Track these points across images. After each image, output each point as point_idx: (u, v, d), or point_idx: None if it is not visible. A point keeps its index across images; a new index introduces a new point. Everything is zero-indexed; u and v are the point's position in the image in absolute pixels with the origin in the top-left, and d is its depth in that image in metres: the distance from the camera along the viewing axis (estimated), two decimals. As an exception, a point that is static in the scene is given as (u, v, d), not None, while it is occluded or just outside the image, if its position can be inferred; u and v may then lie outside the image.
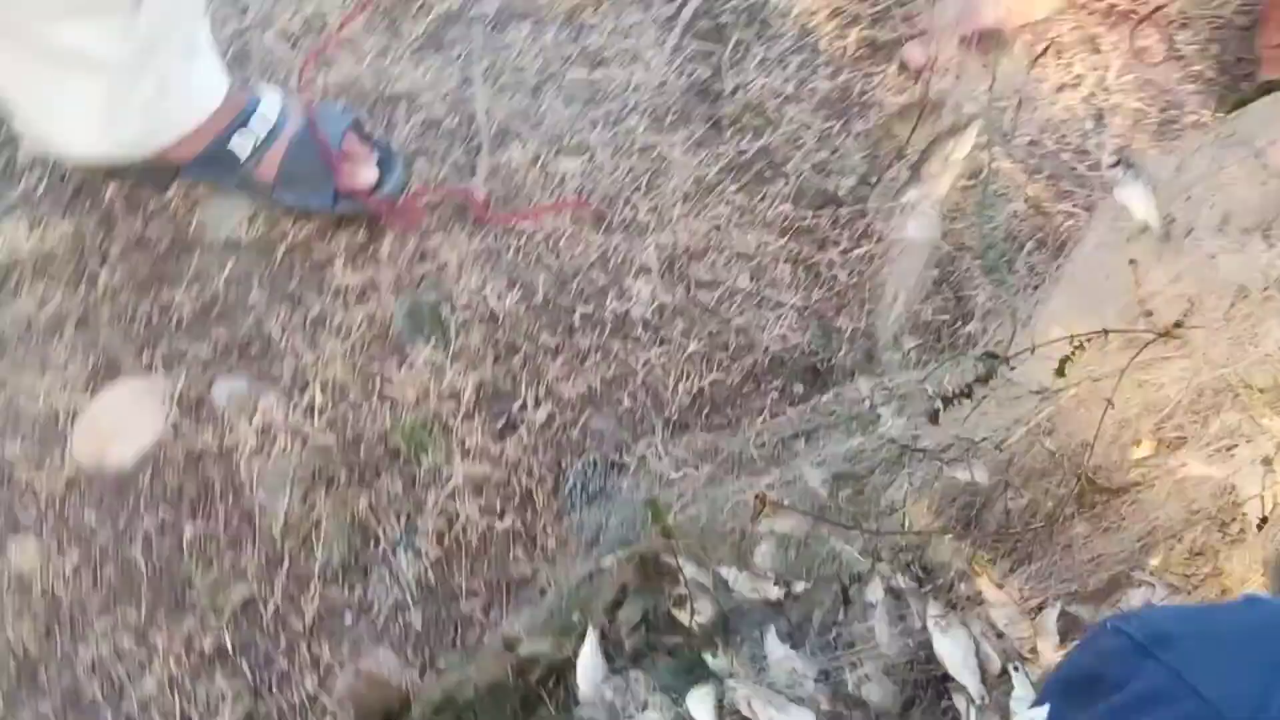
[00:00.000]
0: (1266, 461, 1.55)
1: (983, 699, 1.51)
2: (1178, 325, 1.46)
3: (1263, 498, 1.51)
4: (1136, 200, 1.47)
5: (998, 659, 1.56)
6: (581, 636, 1.63)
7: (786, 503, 1.70)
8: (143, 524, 1.81)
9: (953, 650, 1.59)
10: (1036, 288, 1.97)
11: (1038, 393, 1.62)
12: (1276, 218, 1.43)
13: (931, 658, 1.61)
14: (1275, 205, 1.44)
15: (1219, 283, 1.46)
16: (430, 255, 2.07)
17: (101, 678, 1.71)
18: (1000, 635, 1.64)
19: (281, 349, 1.95)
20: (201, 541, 1.79)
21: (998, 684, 1.55)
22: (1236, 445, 1.58)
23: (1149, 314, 1.49)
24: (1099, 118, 2.27)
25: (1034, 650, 1.64)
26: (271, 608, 1.76)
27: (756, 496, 1.72)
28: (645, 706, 1.63)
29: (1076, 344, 1.50)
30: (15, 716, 1.67)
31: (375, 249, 2.04)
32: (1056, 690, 1.04)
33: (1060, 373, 1.58)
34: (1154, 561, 1.68)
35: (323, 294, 2.00)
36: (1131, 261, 1.50)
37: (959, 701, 1.56)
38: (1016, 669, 1.49)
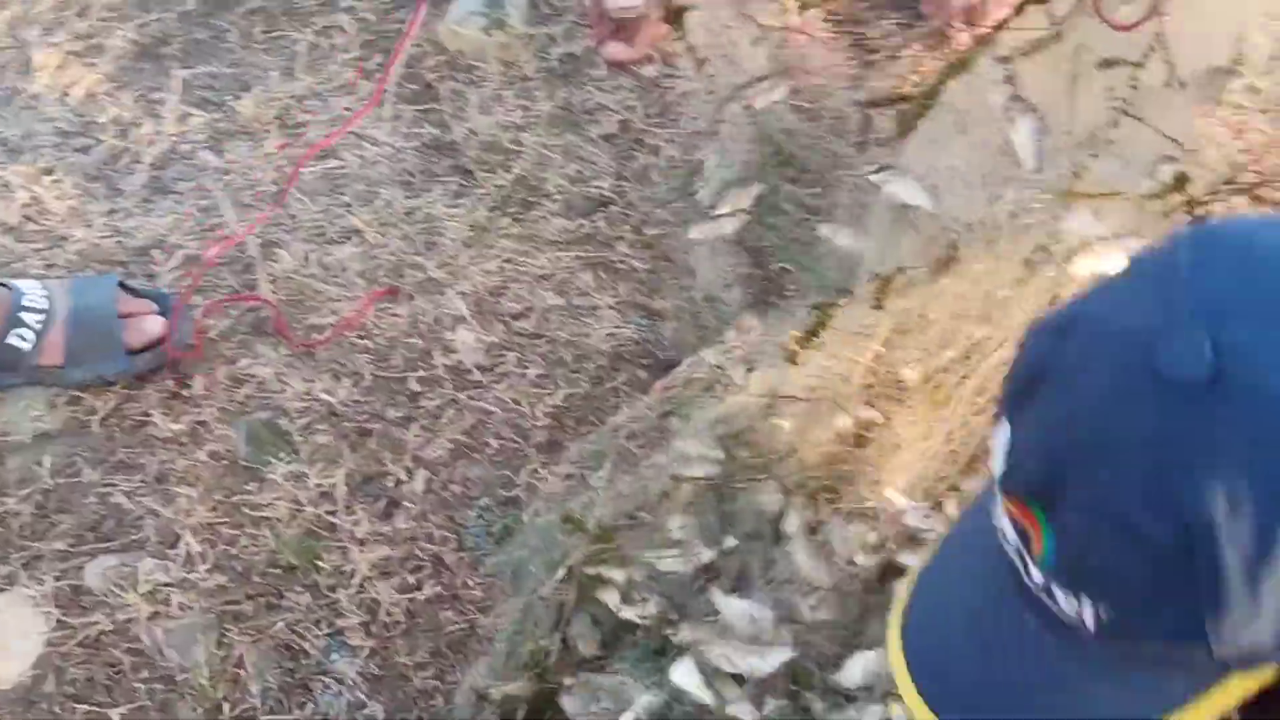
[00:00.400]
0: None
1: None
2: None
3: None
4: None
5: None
6: (546, 665, 1.97)
7: (699, 453, 2.10)
8: (65, 729, 2.00)
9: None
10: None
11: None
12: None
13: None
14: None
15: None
16: (245, 379, 2.37)
17: None
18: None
19: (136, 516, 2.20)
20: (131, 718, 2.02)
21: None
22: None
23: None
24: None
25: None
26: (231, 756, 2.00)
27: (672, 477, 2.11)
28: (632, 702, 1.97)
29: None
30: None
31: (188, 392, 2.34)
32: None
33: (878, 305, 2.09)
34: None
35: (154, 451, 2.27)
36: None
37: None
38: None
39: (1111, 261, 2.13)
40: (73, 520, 2.16)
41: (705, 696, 1.90)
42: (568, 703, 1.91)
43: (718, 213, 2.47)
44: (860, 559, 2.02)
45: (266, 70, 2.78)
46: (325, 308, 2.43)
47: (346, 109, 2.70)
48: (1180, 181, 2.20)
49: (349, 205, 2.57)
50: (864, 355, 2.19)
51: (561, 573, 2.04)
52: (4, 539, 2.12)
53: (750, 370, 2.25)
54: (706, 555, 2.07)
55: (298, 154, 2.60)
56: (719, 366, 2.28)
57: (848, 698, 1.94)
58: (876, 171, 2.36)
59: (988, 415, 2.12)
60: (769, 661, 1.94)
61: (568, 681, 1.91)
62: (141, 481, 2.20)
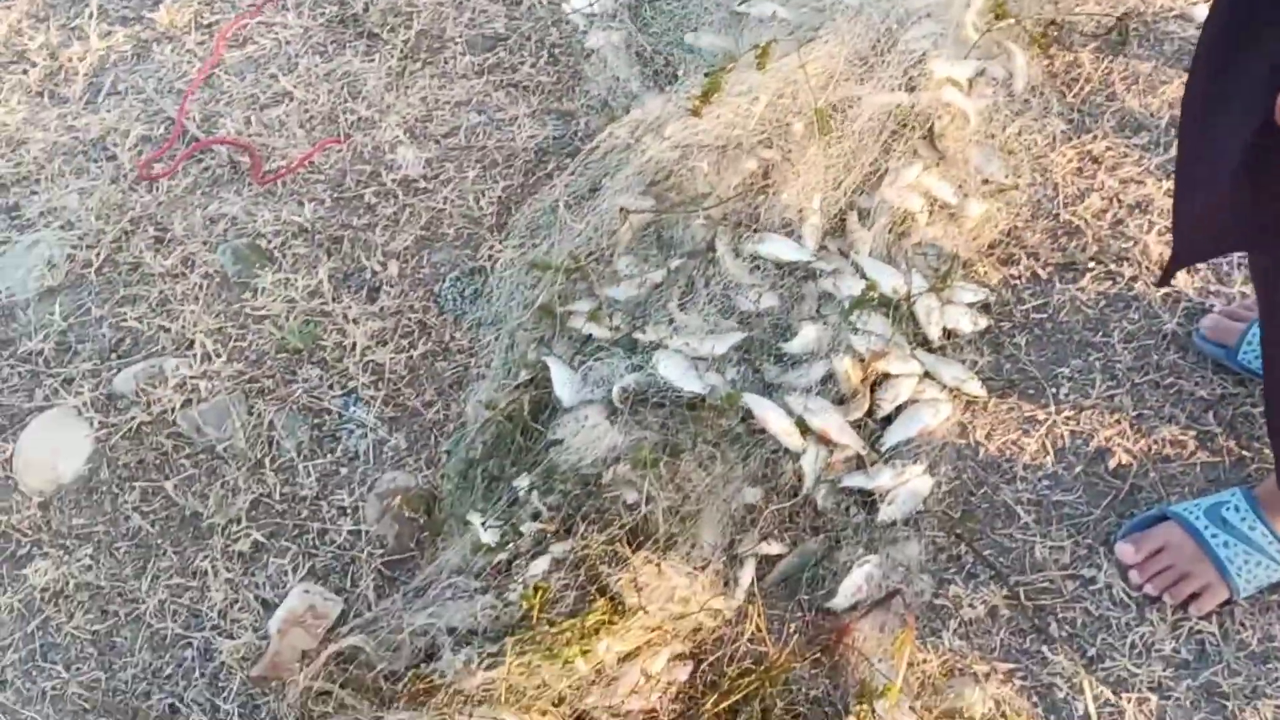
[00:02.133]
0: None
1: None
2: None
3: None
4: None
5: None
6: (537, 374, 2.33)
7: (634, 208, 2.51)
8: (127, 500, 2.29)
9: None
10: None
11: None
12: None
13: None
14: None
15: None
16: (219, 217, 2.74)
17: (172, 615, 2.22)
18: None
19: (150, 333, 2.54)
20: (185, 485, 2.35)
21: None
22: None
23: None
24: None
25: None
26: (277, 495, 2.33)
27: (620, 209, 2.52)
28: (618, 379, 2.34)
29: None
30: (115, 679, 2.20)
31: (170, 235, 2.70)
32: None
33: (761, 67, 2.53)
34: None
35: (152, 284, 2.61)
36: None
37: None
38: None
39: None
40: (93, 346, 2.47)
41: (687, 382, 2.24)
42: (561, 393, 2.26)
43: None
44: (787, 258, 2.44)
45: (172, -16, 3.14)
46: (275, 156, 2.79)
47: (251, 3, 3.08)
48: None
49: (275, 76, 2.94)
50: (756, 109, 2.62)
51: (538, 302, 2.41)
52: (33, 373, 2.44)
53: (659, 131, 2.67)
54: (658, 275, 2.46)
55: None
56: (631, 134, 2.68)
57: (795, 362, 2.34)
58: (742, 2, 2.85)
59: (868, 152, 2.58)
60: (725, 343, 2.34)
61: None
62: (148, 308, 2.53)
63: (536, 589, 1.86)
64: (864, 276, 2.34)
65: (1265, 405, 1.84)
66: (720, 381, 2.22)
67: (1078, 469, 2.18)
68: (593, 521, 1.95)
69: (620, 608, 1.87)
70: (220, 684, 2.04)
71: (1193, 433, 2.19)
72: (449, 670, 1.83)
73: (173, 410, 2.34)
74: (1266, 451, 2.13)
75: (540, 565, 1.93)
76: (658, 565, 1.91)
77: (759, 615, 1.94)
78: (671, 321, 2.32)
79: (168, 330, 2.44)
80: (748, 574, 2.03)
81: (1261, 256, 1.68)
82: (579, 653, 1.83)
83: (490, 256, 2.53)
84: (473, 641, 1.87)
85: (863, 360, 2.22)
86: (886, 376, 2.24)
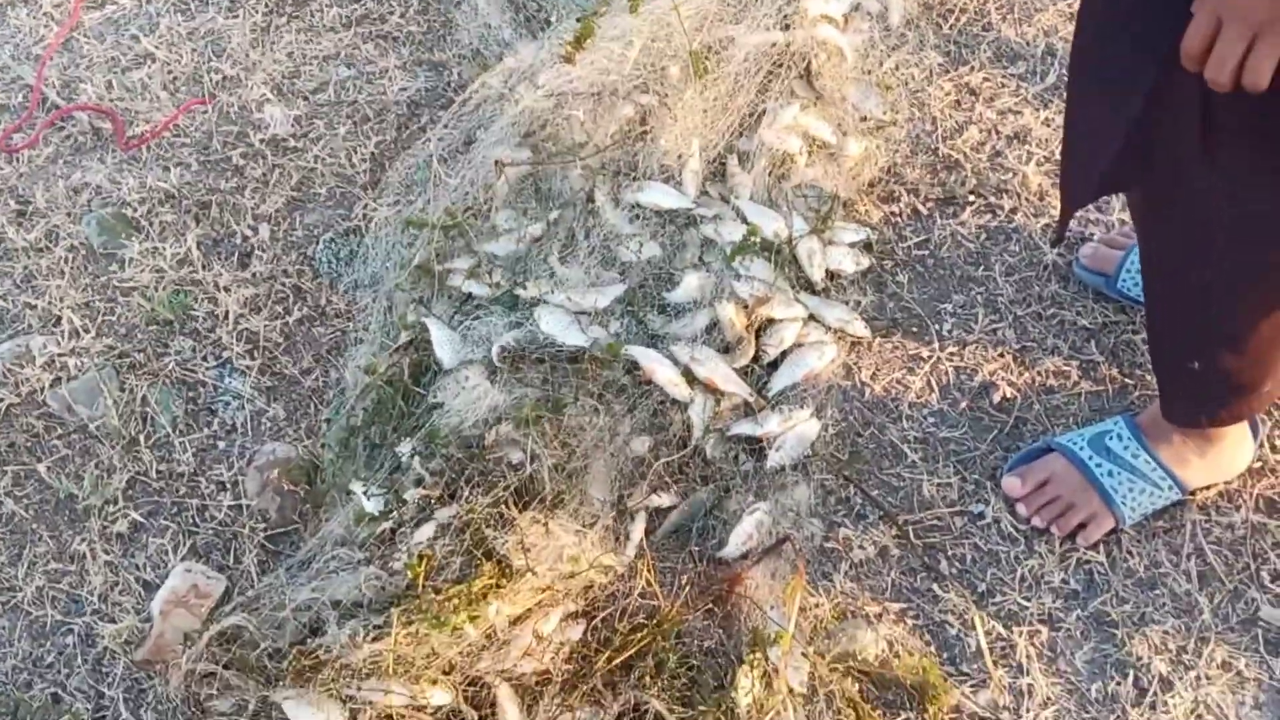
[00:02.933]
0: None
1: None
2: None
3: None
4: None
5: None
6: (416, 335, 2.28)
7: (510, 161, 2.46)
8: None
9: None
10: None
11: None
12: None
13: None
14: None
15: None
16: (81, 187, 2.64)
17: (51, 601, 2.15)
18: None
19: (14, 311, 2.44)
20: (58, 467, 2.28)
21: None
22: None
23: None
24: None
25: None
26: (154, 473, 2.26)
27: (495, 162, 2.46)
28: (498, 337, 2.30)
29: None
30: None
31: (31, 207, 2.60)
32: None
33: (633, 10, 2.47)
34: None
35: (14, 259, 2.51)
36: None
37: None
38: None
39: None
40: (-48, 324, 2.37)
41: (569, 336, 2.21)
42: (441, 354, 2.21)
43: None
44: (668, 206, 2.40)
45: (24, -55, 3.01)
46: (138, 120, 2.69)
47: (108, -37, 2.96)
48: None
49: (135, 37, 2.84)
50: (630, 54, 2.57)
51: (416, 262, 2.36)
52: (-104, 356, 2.33)
53: (532, 79, 2.61)
54: (537, 229, 2.41)
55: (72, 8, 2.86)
56: (504, 83, 2.62)
57: (679, 311, 2.31)
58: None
59: (745, 94, 2.54)
60: (607, 295, 2.30)
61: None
62: (12, 285, 2.44)
63: (421, 557, 1.83)
64: (745, 221, 2.32)
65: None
66: (604, 334, 2.19)
67: (962, 405, 2.18)
68: (477, 485, 1.91)
69: (508, 571, 1.85)
70: (104, 670, 1.99)
71: (1076, 363, 2.21)
72: (334, 644, 1.79)
73: (42, 390, 2.27)
74: (1149, 379, 2.15)
75: (425, 532, 1.90)
76: (545, 525, 1.88)
77: (649, 570, 1.92)
78: (553, 275, 2.29)
79: (33, 307, 2.36)
80: (638, 528, 2.02)
81: (1140, 190, 1.68)
82: (467, 619, 1.80)
83: (365, 216, 2.48)
84: (358, 614, 1.83)
85: (746, 306, 2.19)
86: (771, 322, 2.23)
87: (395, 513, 1.94)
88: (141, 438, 2.22)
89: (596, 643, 1.91)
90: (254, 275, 2.38)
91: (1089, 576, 2.04)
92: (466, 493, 1.91)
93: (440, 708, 1.80)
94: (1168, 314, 1.76)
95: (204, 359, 2.30)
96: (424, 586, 1.82)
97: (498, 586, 1.84)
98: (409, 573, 1.83)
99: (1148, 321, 1.85)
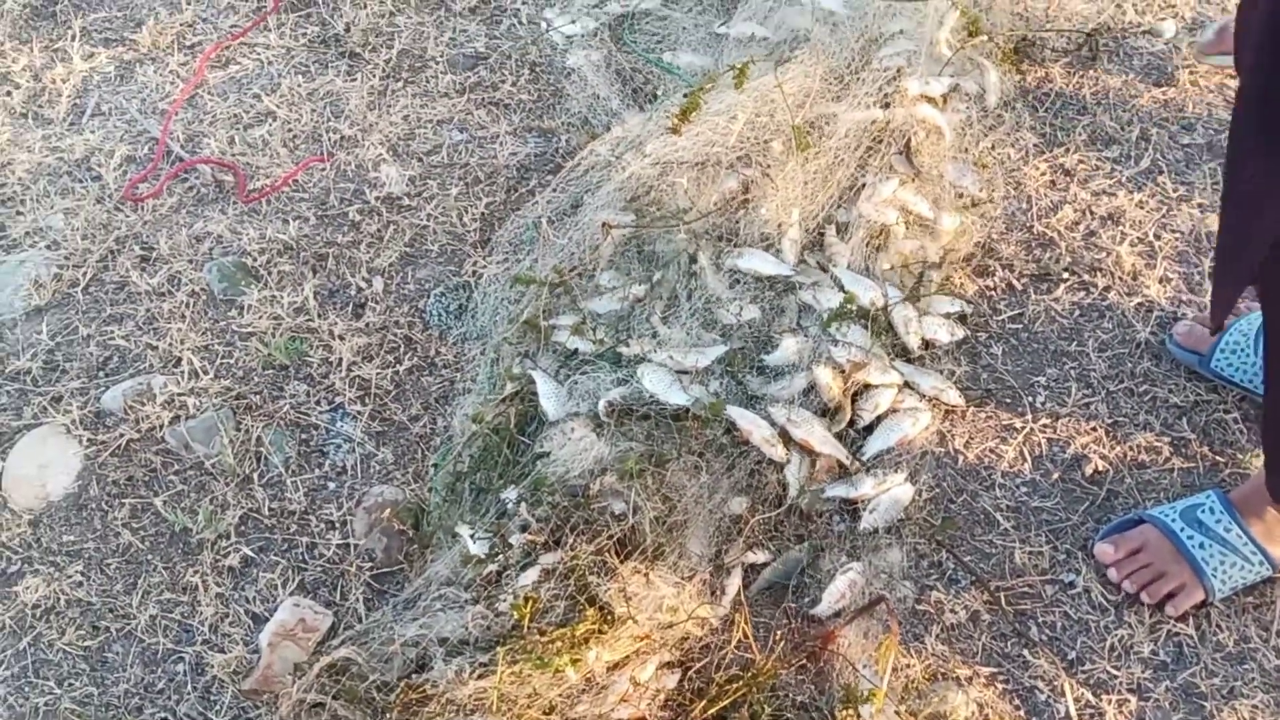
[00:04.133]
0: None
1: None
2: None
3: None
4: None
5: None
6: (522, 387, 2.35)
7: (616, 223, 2.55)
8: (116, 517, 2.29)
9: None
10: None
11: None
12: None
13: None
14: None
15: None
16: (204, 236, 2.76)
17: (163, 630, 2.23)
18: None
19: (137, 352, 2.56)
20: (174, 501, 2.37)
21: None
22: None
23: None
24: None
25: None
26: (266, 510, 2.35)
27: (602, 224, 2.55)
28: (603, 392, 2.37)
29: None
30: (108, 695, 2.21)
31: (155, 254, 2.72)
32: None
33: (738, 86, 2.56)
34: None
35: (138, 303, 2.63)
36: None
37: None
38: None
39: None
40: (81, 365, 2.49)
41: (671, 394, 2.27)
42: (547, 406, 2.29)
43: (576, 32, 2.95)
44: (767, 272, 2.49)
45: (154, 6, 3.17)
46: (259, 175, 2.81)
47: (234, 25, 3.11)
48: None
49: (258, 96, 2.97)
50: (734, 127, 2.66)
51: (523, 317, 2.44)
52: (22, 391, 2.45)
53: (639, 148, 2.70)
54: (640, 289, 2.48)
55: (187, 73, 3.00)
56: (612, 150, 2.72)
57: (777, 374, 2.37)
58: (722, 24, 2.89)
59: (845, 168, 2.62)
60: (708, 356, 2.37)
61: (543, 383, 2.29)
62: (135, 326, 2.54)
63: (527, 599, 1.88)
64: (842, 289, 2.37)
65: (1265, 408, 1.88)
66: (704, 394, 2.24)
67: (1055, 476, 2.21)
68: (581, 533, 1.97)
69: (609, 617, 1.90)
70: (212, 698, 2.05)
71: (1167, 439, 2.23)
72: (441, 680, 1.85)
73: (161, 427, 2.35)
74: (1240, 457, 2.17)
75: (530, 576, 1.95)
76: (646, 575, 1.93)
77: (745, 623, 1.96)
78: (655, 335, 2.34)
79: (155, 348, 2.45)
80: (734, 583, 2.06)
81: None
82: (569, 662, 1.85)
83: (474, 272, 2.55)
84: (464, 651, 1.89)
85: (843, 371, 2.24)
86: (867, 387, 2.27)
87: (501, 556, 1.99)
88: (255, 476, 2.29)
89: (691, 692, 1.95)
90: (367, 325, 2.46)
91: (1178, 649, 2.05)
92: (571, 540, 1.96)
93: (540, 747, 1.83)
94: None
95: (317, 403, 2.37)
96: (529, 628, 1.86)
97: (599, 632, 1.89)
98: (514, 613, 1.87)
99: (1267, 398, 1.87)
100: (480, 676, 1.85)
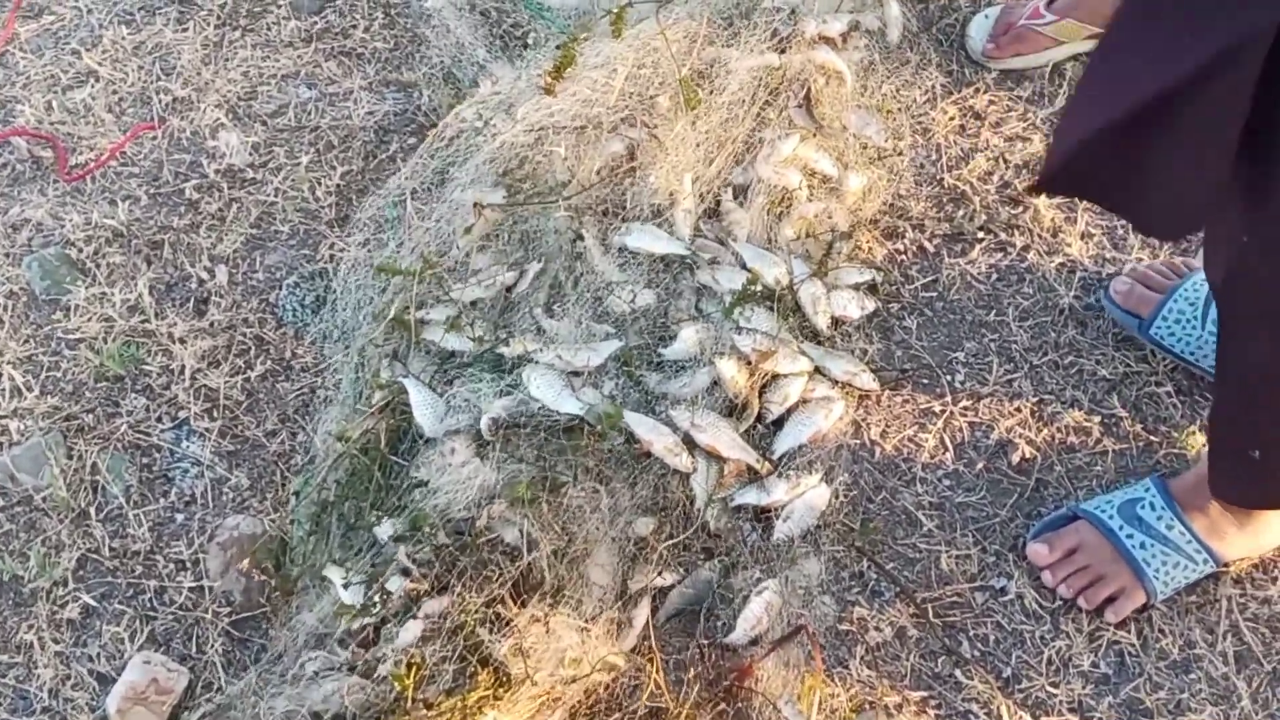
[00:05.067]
0: None
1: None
2: None
3: None
4: None
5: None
6: (393, 397, 2.08)
7: (487, 204, 2.25)
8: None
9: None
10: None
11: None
12: None
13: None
14: None
15: None
16: (21, 224, 2.41)
17: None
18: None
19: None
20: (1, 545, 2.06)
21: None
22: None
23: None
24: None
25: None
26: (107, 550, 2.05)
27: (474, 205, 2.25)
28: (485, 403, 2.10)
29: None
30: None
31: None
32: None
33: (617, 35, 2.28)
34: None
35: None
36: None
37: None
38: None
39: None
40: (-120, 387, 2.15)
41: (562, 402, 2.04)
42: (421, 420, 2.01)
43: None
44: (660, 251, 2.25)
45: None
46: (82, 147, 2.46)
47: (44, -30, 2.71)
48: None
49: (77, 52, 2.61)
50: (615, 82, 2.36)
51: (390, 316, 2.15)
52: None
53: (510, 111, 2.39)
54: (509, 276, 2.21)
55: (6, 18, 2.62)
56: (479, 115, 2.41)
57: (677, 368, 2.12)
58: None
59: (740, 124, 2.34)
60: (600, 353, 2.11)
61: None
62: (-58, 336, 2.20)
63: (409, 665, 1.63)
64: (744, 266, 2.13)
65: (1212, 409, 1.70)
66: (598, 398, 2.00)
67: (979, 465, 2.04)
68: (470, 578, 1.71)
69: (505, 679, 1.66)
70: (55, 778, 1.77)
71: (1097, 418, 2.06)
72: (315, 770, 1.60)
73: (-19, 457, 2.03)
74: (1174, 435, 2.05)
75: (412, 631, 1.73)
76: (545, 623, 1.69)
77: (656, 671, 1.73)
78: (540, 331, 2.07)
79: (-32, 362, 2.12)
80: (641, 615, 1.84)
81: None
82: None
83: (332, 256, 2.28)
84: None
85: (749, 362, 2.01)
86: (775, 377, 2.04)
87: (379, 609, 1.73)
88: (92, 510, 2.04)
89: None
90: (212, 324, 2.17)
91: (1120, 659, 1.92)
92: (459, 588, 1.71)
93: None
94: (1243, 400, 1.60)
95: (159, 420, 2.10)
96: (413, 700, 1.62)
97: (494, 697, 1.64)
98: (396, 683, 1.62)
99: (1215, 397, 1.74)
100: (361, 764, 1.59)
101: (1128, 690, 1.91)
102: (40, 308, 2.21)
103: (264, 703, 1.72)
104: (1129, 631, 1.94)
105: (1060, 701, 1.88)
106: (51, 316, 2.20)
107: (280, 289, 2.25)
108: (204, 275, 2.25)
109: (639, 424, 1.95)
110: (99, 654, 1.92)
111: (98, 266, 2.26)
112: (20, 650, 1.92)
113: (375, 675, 1.70)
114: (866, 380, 2.15)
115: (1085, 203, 2.26)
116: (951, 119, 2.45)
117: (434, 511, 1.84)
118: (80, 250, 2.27)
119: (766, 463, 2.03)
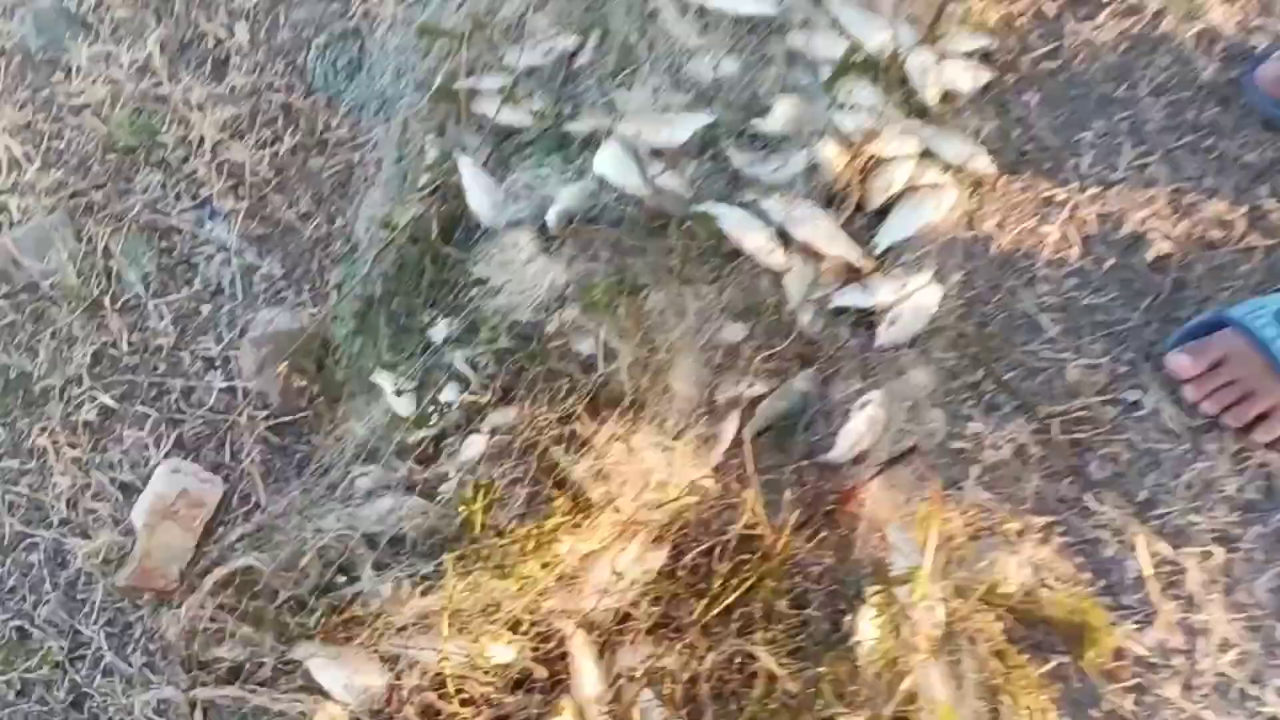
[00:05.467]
0: None
1: None
2: None
3: None
4: None
5: None
6: (444, 175, 1.81)
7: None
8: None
9: None
10: None
11: None
12: None
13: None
14: None
15: None
16: None
17: (10, 509, 1.75)
18: None
19: None
20: (6, 337, 1.82)
21: None
22: None
23: None
24: None
25: None
26: (125, 345, 1.82)
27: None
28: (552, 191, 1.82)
29: None
30: None
31: None
32: None
33: None
34: None
35: None
36: None
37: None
38: None
39: None
40: None
41: (630, 180, 1.76)
42: (477, 205, 1.74)
43: None
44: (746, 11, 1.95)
45: None
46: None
47: None
48: None
49: None
50: None
51: (436, 85, 1.86)
52: None
53: None
54: (569, 41, 1.92)
55: None
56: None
57: (770, 147, 1.84)
58: None
59: None
60: (685, 127, 1.86)
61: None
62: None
63: (477, 488, 1.40)
64: (843, 32, 1.83)
65: None
66: (680, 184, 1.76)
67: (1109, 262, 1.83)
68: (540, 391, 1.47)
69: (584, 504, 1.43)
70: (79, 597, 1.60)
71: (1242, 210, 1.84)
72: (373, 599, 1.39)
73: (-23, 242, 1.79)
74: (1334, 231, 1.76)
75: (475, 446, 1.48)
76: (626, 442, 1.46)
77: (754, 495, 1.51)
78: (611, 105, 1.79)
79: (-40, 131, 1.85)
80: (730, 428, 1.60)
81: None
82: (539, 566, 1.39)
83: (366, 13, 1.99)
84: (399, 559, 1.42)
85: (851, 144, 1.74)
86: (878, 161, 1.77)
87: (436, 419, 1.50)
88: (107, 299, 1.82)
89: (688, 583, 1.50)
90: (233, 90, 1.91)
91: (1269, 484, 1.68)
92: (528, 400, 1.47)
93: (503, 665, 1.46)
94: None
95: (177, 198, 1.87)
96: (483, 528, 1.40)
97: (573, 524, 1.42)
98: (463, 508, 1.40)
99: None
100: (425, 593, 1.38)
101: (1278, 519, 1.67)
102: (37, 68, 1.94)
103: (310, 525, 1.48)
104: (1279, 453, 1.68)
105: (1201, 530, 1.67)
106: (50, 78, 1.94)
107: (308, 50, 1.98)
108: (221, 32, 1.98)
109: (727, 216, 1.68)
110: (120, 460, 1.71)
111: (100, 21, 1.99)
112: (33, 455, 1.73)
113: (437, 497, 1.46)
114: (983, 163, 1.90)
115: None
116: None
117: (495, 314, 1.58)
118: (80, 2, 1.95)
119: (869, 259, 1.76)
